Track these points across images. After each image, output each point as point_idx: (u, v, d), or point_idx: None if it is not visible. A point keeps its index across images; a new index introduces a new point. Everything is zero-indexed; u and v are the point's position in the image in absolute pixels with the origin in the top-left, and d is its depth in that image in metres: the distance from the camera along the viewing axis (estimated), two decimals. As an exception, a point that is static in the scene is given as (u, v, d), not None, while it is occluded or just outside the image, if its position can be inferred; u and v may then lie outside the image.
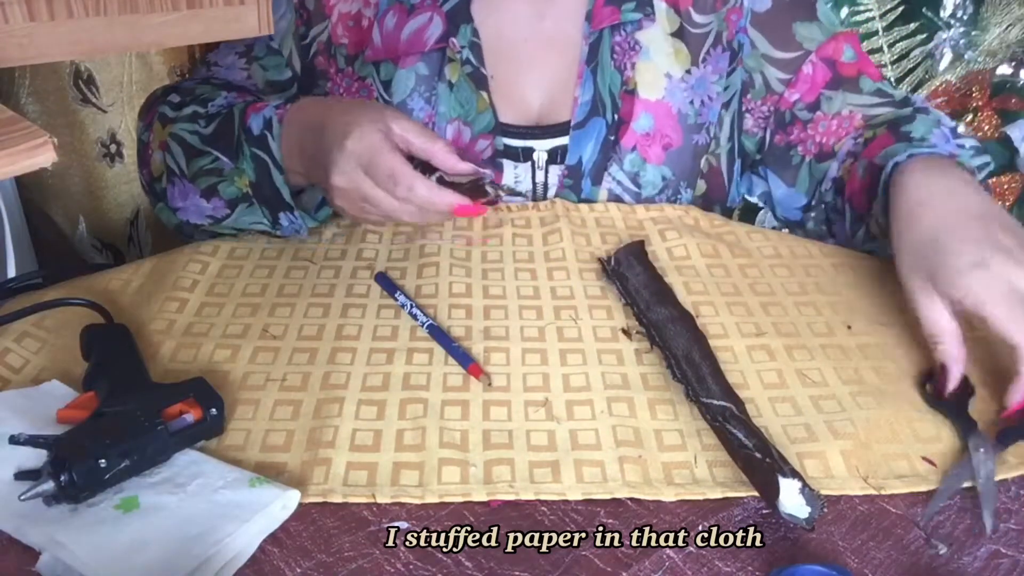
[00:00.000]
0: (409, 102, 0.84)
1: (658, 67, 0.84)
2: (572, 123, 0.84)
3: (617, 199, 0.86)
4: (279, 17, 0.85)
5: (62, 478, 0.48)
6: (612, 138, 0.85)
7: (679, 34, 0.84)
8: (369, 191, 0.64)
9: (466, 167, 0.65)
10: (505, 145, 0.85)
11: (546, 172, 0.86)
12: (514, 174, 0.86)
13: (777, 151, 0.89)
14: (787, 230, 0.92)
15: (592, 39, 0.83)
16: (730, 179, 0.91)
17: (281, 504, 0.50)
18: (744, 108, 0.88)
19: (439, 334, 0.65)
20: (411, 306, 0.68)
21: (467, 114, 0.84)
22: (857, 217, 0.79)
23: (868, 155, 0.76)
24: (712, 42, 0.84)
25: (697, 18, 0.83)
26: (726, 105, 0.87)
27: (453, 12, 0.82)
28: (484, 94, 0.83)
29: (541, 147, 0.86)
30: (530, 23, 0.84)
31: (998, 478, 0.54)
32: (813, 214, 0.88)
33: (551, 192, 0.87)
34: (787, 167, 0.89)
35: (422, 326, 0.67)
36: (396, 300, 0.70)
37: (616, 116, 0.84)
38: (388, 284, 0.71)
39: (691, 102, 0.85)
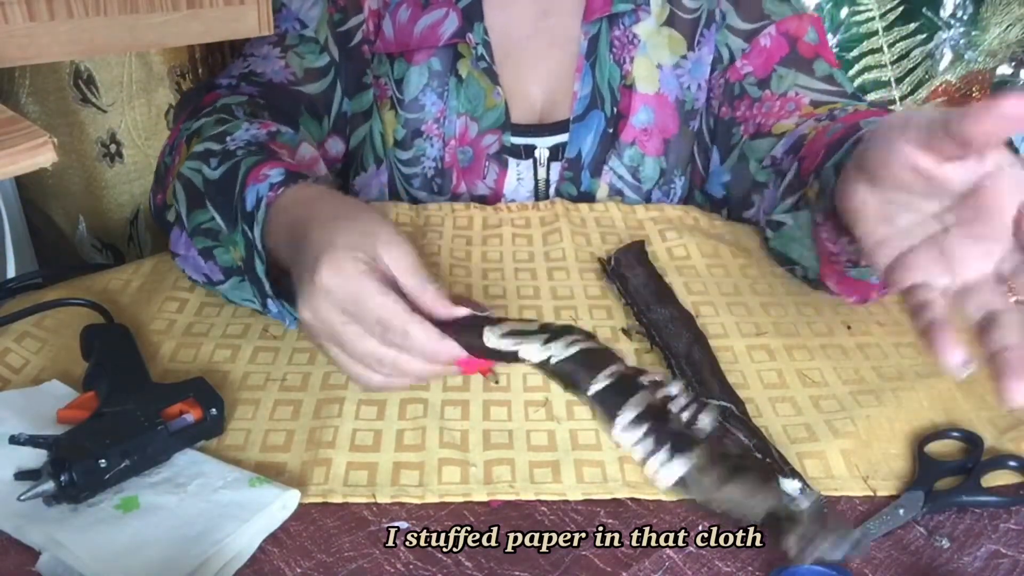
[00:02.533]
0: (422, 97, 0.84)
1: (651, 59, 0.84)
2: (572, 116, 0.85)
3: (618, 192, 0.87)
4: (312, 4, 0.82)
5: (62, 478, 0.48)
6: (611, 131, 0.85)
7: (670, 22, 0.84)
8: (342, 334, 0.49)
9: (462, 311, 0.50)
10: (510, 142, 0.85)
11: (547, 169, 0.87)
12: (517, 171, 0.87)
13: (720, 125, 0.86)
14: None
15: (591, 34, 0.83)
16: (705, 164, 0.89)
17: (281, 504, 0.50)
18: (712, 84, 0.86)
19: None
20: None
21: (475, 109, 0.84)
22: (797, 180, 0.68)
23: (850, 119, 0.66)
24: (705, 22, 0.84)
25: (688, 2, 0.83)
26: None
27: (468, 8, 0.82)
28: (500, 89, 0.83)
29: (543, 144, 0.86)
30: (534, 21, 0.85)
31: (998, 483, 0.54)
32: (735, 190, 0.84)
33: (552, 188, 0.87)
34: (726, 143, 0.85)
35: None
36: None
37: (615, 110, 0.85)
38: None
39: (688, 87, 0.85)
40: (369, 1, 0.83)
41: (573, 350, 0.45)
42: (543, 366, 0.46)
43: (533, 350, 0.46)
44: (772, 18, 0.82)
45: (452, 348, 0.49)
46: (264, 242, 0.57)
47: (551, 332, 0.47)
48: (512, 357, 0.47)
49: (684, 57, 0.84)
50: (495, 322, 0.48)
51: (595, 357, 0.45)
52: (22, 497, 0.48)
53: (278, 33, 0.82)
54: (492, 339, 0.47)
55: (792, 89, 0.80)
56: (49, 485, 0.48)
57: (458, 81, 0.84)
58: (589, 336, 0.47)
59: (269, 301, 0.60)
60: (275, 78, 0.80)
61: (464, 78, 0.84)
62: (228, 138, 0.66)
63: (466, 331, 0.48)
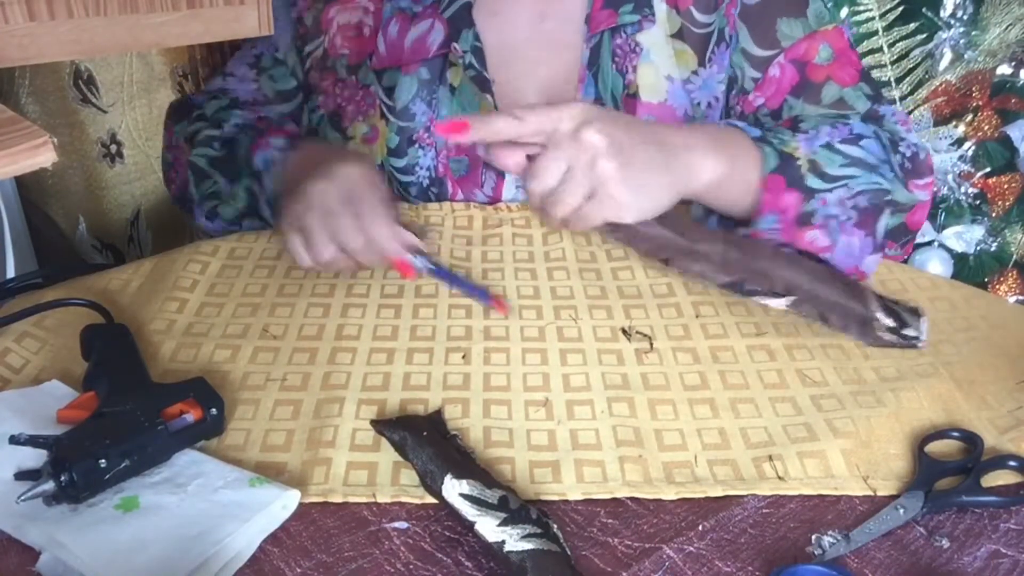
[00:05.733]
0: (412, 107, 0.84)
1: (659, 70, 0.82)
2: None
3: None
4: (281, 30, 0.87)
5: (62, 478, 0.48)
6: None
7: (680, 35, 0.82)
8: (336, 206, 0.67)
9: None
10: None
11: None
12: (515, 179, 0.86)
13: None
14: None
15: (593, 42, 0.82)
16: None
17: (281, 504, 0.50)
18: (730, 104, 0.85)
19: (448, 275, 0.71)
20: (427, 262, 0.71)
21: None
22: None
23: None
24: (716, 40, 0.82)
25: (700, 17, 0.82)
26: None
27: (454, 17, 0.82)
28: (488, 97, 0.82)
29: None
30: (531, 25, 0.84)
31: (998, 483, 0.54)
32: None
33: None
34: None
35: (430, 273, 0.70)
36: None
37: None
38: None
39: (698, 104, 0.83)
40: (339, 17, 0.85)
41: (527, 546, 0.46)
42: (496, 546, 0.47)
43: (489, 527, 0.47)
44: (783, 44, 0.80)
45: (396, 246, 0.67)
46: (274, 189, 0.78)
47: (509, 513, 0.48)
48: (470, 523, 0.48)
49: (695, 73, 0.82)
50: (459, 467, 0.51)
51: (547, 563, 0.46)
52: (22, 498, 0.47)
53: (255, 54, 0.91)
54: (452, 494, 0.49)
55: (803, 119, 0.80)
56: (49, 485, 0.48)
57: (450, 91, 0.83)
58: (545, 526, 0.48)
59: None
60: (243, 96, 0.90)
61: (457, 87, 0.83)
62: (224, 124, 0.85)
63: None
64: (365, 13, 0.84)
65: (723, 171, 0.66)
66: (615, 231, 0.65)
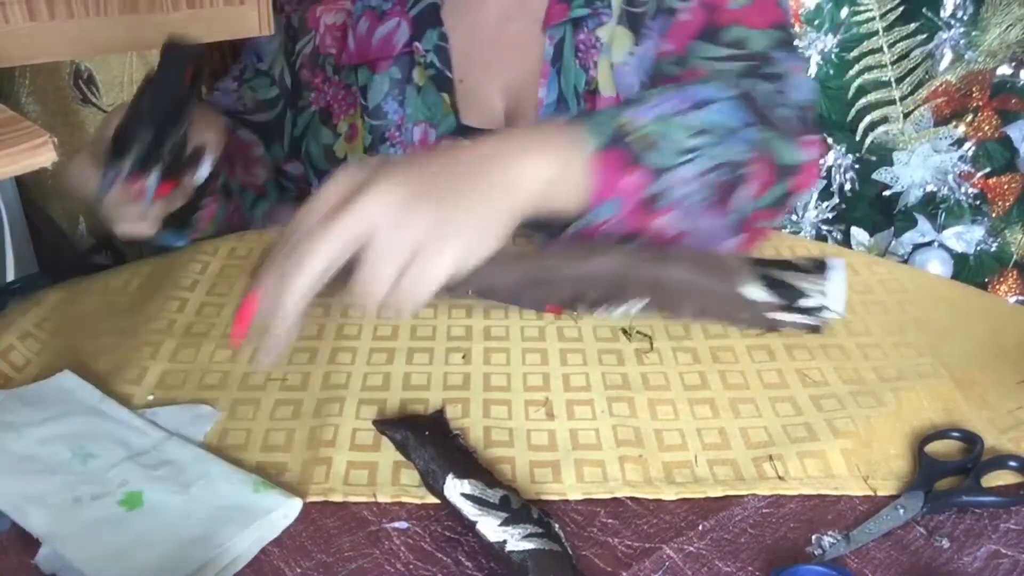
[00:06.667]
0: (384, 105, 0.85)
1: (611, 61, 0.81)
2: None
3: None
4: (271, 38, 0.87)
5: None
6: None
7: (622, 19, 0.80)
8: None
9: None
10: None
11: None
12: None
13: None
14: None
15: (557, 39, 0.81)
16: None
17: (283, 513, 0.50)
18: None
19: None
20: None
21: (433, 116, 0.84)
22: None
23: None
24: (653, 12, 0.79)
25: None
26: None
27: (419, 17, 0.82)
28: (445, 96, 0.83)
29: None
30: (497, 25, 0.84)
31: (998, 483, 0.54)
32: None
33: None
34: None
35: None
36: None
37: None
38: None
39: (642, 83, 0.80)
40: (325, 17, 0.86)
41: (528, 546, 0.46)
42: (497, 546, 0.47)
43: (490, 527, 0.47)
44: None
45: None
46: None
47: (511, 512, 0.48)
48: (471, 523, 0.48)
49: (631, 53, 0.80)
50: (461, 466, 0.51)
51: (548, 563, 0.46)
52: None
53: (240, 68, 0.92)
54: (453, 494, 0.49)
55: (696, 62, 0.75)
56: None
57: (416, 90, 0.84)
58: (547, 526, 0.48)
59: None
60: (225, 107, 0.91)
61: (422, 86, 0.84)
62: None
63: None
64: (348, 15, 0.85)
65: (553, 168, 0.56)
66: (452, 291, 0.52)
